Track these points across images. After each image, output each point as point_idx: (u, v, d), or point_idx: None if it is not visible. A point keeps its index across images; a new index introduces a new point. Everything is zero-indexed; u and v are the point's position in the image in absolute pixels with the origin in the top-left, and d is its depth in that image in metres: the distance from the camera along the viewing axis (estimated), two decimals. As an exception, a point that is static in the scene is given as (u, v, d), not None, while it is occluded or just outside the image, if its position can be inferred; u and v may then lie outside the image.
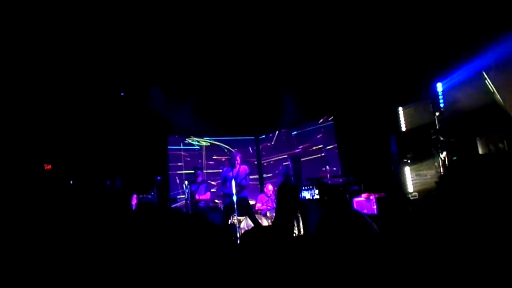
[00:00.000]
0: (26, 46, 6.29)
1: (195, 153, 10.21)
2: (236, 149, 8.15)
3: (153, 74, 8.14)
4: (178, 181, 9.75)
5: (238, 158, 7.75)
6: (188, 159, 10.04)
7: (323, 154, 8.79)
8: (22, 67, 6.61)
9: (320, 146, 9.34)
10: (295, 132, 10.21)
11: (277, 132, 10.65)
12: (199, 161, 10.07)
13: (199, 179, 8.33)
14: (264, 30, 6.69)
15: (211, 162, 10.27)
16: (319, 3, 6.08)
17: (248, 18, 6.34)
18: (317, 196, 1.45)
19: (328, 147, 9.19)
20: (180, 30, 6.56)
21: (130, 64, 7.56)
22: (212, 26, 6.51)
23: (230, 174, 7.60)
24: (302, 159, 9.49)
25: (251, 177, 8.18)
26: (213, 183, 9.59)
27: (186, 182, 8.14)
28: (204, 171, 8.54)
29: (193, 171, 8.60)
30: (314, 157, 9.48)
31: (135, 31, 6.47)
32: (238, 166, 7.69)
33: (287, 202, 1.65)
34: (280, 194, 1.67)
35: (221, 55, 7.43)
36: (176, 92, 8.80)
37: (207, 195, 8.17)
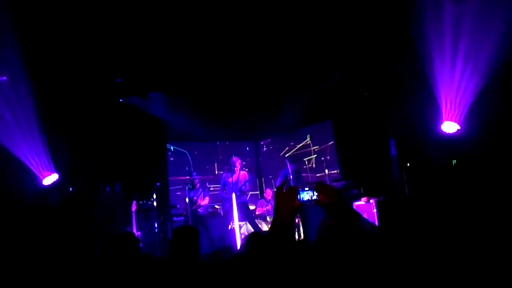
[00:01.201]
0: (23, 48, 6.29)
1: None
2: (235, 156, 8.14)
3: (151, 79, 8.14)
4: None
5: (237, 164, 7.77)
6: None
7: (322, 158, 8.79)
8: (18, 70, 6.61)
9: (315, 148, 9.33)
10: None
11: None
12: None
13: (197, 184, 8.32)
14: (262, 33, 6.70)
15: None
16: (317, 6, 6.10)
17: (246, 21, 6.35)
18: (315, 197, 1.45)
19: (327, 151, 9.19)
20: (178, 34, 6.57)
21: (128, 70, 7.56)
22: (210, 29, 6.52)
23: (230, 179, 7.60)
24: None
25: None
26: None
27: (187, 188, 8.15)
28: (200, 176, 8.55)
29: (188, 177, 8.60)
30: (314, 161, 9.48)
31: (133, 35, 6.47)
32: (237, 172, 7.70)
33: (285, 204, 1.64)
34: (278, 196, 1.66)
35: (219, 58, 7.43)
36: (175, 97, 8.80)
37: (207, 200, 8.17)
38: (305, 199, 1.67)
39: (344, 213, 1.56)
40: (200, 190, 8.17)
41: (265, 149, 11.06)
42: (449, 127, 6.11)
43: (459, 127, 5.99)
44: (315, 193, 1.66)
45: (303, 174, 9.15)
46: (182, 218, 8.21)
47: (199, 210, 8.09)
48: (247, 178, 7.79)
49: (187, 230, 3.25)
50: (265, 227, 7.88)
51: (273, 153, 10.72)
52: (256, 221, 7.87)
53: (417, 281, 1.34)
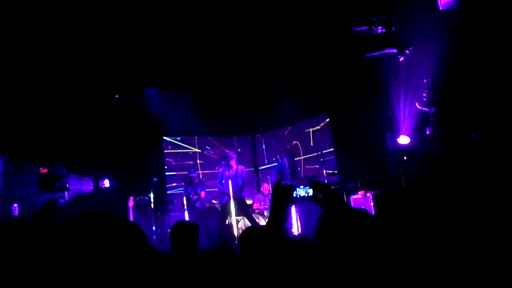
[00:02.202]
0: (20, 47, 6.24)
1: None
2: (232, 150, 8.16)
3: (146, 74, 8.10)
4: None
5: (234, 158, 7.76)
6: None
7: (318, 153, 8.79)
8: (15, 68, 6.56)
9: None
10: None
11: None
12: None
13: (195, 180, 8.35)
14: (260, 27, 6.67)
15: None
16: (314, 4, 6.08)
17: (242, 15, 6.32)
18: (310, 194, 1.46)
19: (324, 145, 9.18)
20: (173, 28, 6.53)
21: (124, 65, 7.52)
22: (206, 23, 6.48)
23: (227, 173, 7.60)
24: (298, 158, 9.51)
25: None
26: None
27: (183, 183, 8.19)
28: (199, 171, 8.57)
29: (187, 172, 8.61)
30: (310, 155, 9.48)
31: (128, 31, 6.43)
32: (235, 166, 7.70)
33: (281, 201, 1.65)
34: (275, 192, 1.67)
35: (215, 53, 7.39)
36: (170, 92, 8.76)
37: (202, 194, 8.22)
38: (301, 195, 1.69)
39: (339, 208, 1.58)
40: (198, 186, 8.22)
41: (262, 142, 11.04)
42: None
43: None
44: (310, 190, 1.68)
45: (307, 167, 9.17)
46: (179, 213, 8.22)
47: (196, 205, 8.11)
48: (245, 174, 7.78)
49: (186, 225, 3.20)
50: (262, 222, 7.89)
51: (270, 147, 10.71)
52: (254, 215, 7.87)
53: (415, 274, 1.35)
